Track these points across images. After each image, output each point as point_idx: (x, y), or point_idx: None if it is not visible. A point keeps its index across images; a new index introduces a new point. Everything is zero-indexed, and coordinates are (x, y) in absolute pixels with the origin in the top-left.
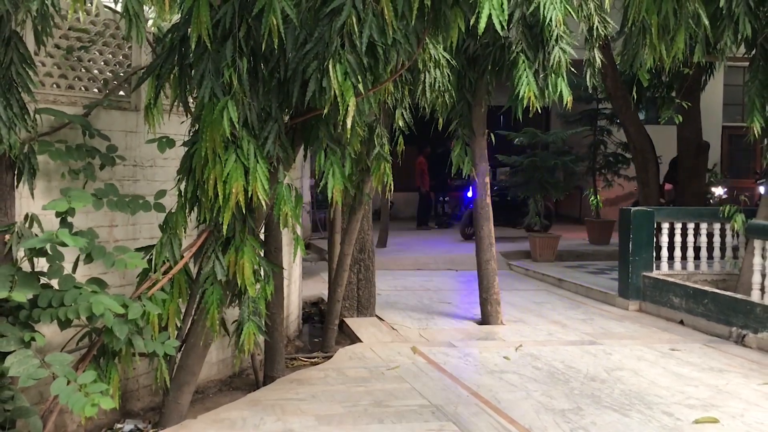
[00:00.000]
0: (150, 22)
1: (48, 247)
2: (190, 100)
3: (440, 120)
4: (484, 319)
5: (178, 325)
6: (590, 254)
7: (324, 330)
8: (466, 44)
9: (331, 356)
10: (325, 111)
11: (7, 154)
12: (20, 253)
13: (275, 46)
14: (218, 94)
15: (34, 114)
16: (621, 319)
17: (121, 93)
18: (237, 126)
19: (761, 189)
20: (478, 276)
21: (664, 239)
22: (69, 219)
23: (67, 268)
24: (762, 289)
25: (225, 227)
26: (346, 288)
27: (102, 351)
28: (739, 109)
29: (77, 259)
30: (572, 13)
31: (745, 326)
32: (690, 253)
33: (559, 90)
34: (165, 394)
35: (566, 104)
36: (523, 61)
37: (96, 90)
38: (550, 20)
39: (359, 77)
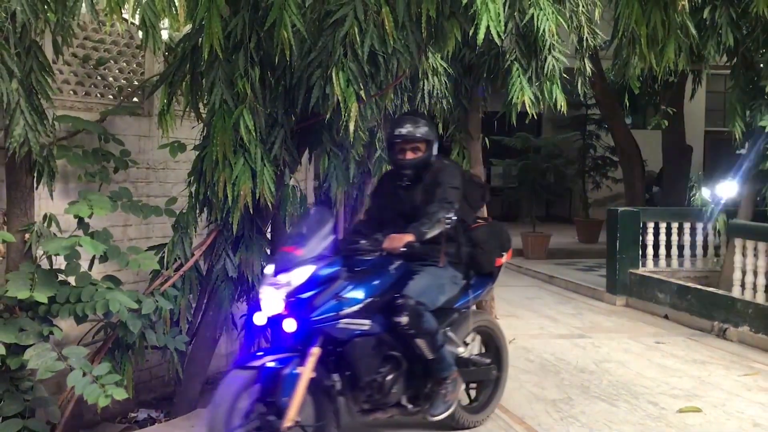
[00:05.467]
0: (164, 33)
1: None
2: (201, 106)
3: (439, 125)
4: None
5: (189, 319)
6: (580, 252)
7: None
8: (462, 53)
9: None
10: (327, 116)
11: (32, 156)
12: (39, 251)
13: (285, 57)
14: (228, 101)
15: (52, 120)
16: (609, 314)
17: (135, 99)
18: (252, 132)
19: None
20: None
21: (650, 238)
22: (86, 219)
23: (84, 265)
24: (742, 285)
25: (235, 227)
26: None
27: (116, 344)
28: (720, 115)
29: (93, 258)
30: (564, 24)
31: (726, 320)
32: (674, 251)
33: (554, 96)
34: (177, 385)
35: (561, 108)
36: (517, 69)
37: (111, 97)
38: (544, 31)
39: (361, 84)
